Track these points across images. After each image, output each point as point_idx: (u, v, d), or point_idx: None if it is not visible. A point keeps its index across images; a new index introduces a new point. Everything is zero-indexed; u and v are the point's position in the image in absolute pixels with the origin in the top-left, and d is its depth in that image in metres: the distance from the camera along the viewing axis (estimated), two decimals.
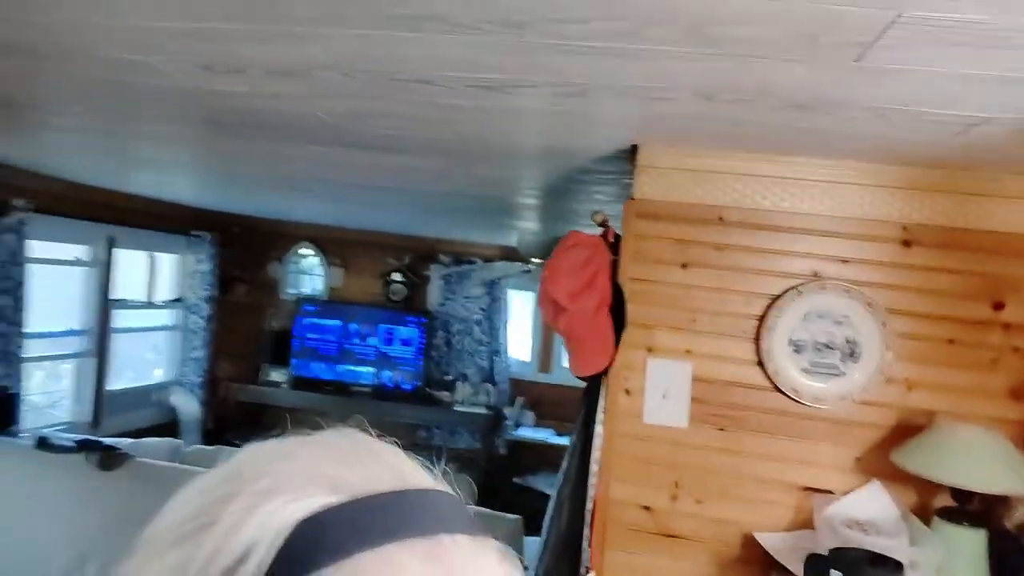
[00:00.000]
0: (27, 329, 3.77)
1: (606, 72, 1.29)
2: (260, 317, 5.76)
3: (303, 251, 5.81)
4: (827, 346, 1.76)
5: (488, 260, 5.47)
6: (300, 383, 5.39)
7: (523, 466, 5.21)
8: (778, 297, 1.78)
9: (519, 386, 5.59)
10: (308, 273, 5.85)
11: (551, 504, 1.92)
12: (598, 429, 1.83)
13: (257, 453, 0.38)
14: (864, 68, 1.12)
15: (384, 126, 1.94)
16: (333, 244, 5.75)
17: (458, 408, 5.27)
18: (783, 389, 1.77)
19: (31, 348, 3.92)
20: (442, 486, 0.38)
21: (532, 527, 2.58)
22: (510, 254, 5.26)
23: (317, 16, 1.15)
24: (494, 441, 5.28)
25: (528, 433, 5.37)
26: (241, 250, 5.59)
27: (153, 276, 5.12)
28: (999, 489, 1.48)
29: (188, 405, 5.14)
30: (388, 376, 5.45)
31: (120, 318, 4.73)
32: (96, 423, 4.41)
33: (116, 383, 4.78)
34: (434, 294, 5.60)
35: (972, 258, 1.74)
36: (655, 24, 1.05)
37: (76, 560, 2.55)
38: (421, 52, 1.27)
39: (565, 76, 1.33)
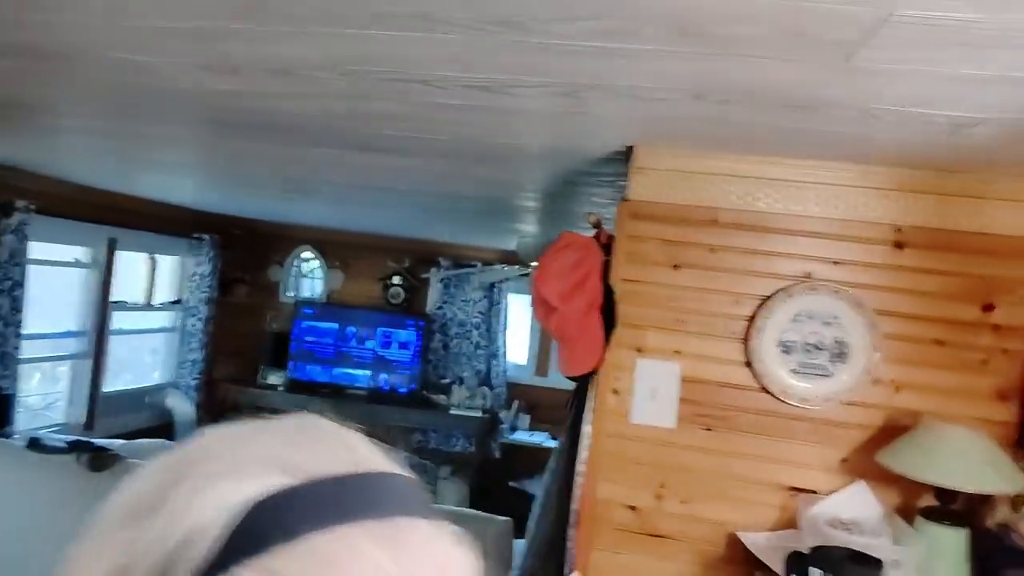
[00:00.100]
0: (24, 330, 3.79)
1: (599, 72, 1.30)
2: (260, 319, 5.77)
3: (304, 254, 5.83)
4: (816, 347, 1.77)
5: (488, 264, 5.48)
6: (296, 386, 5.39)
7: (518, 469, 5.21)
8: (768, 298, 1.79)
9: (515, 390, 5.59)
10: (308, 276, 5.87)
11: (537, 504, 1.92)
12: (586, 429, 1.83)
13: (211, 436, 0.38)
14: (855, 68, 1.13)
15: (382, 127, 1.95)
16: (333, 247, 5.77)
17: (454, 412, 5.27)
18: (771, 390, 1.78)
19: (28, 349, 3.93)
20: (400, 470, 0.38)
21: (524, 530, 2.58)
22: (509, 258, 5.27)
23: (310, 15, 1.16)
24: (489, 444, 5.28)
25: (523, 437, 5.38)
26: (242, 252, 5.61)
27: (153, 278, 5.14)
28: (982, 488, 1.48)
29: (183, 407, 5.15)
30: (384, 379, 5.45)
31: (119, 320, 4.75)
32: (90, 425, 4.41)
33: (113, 385, 4.79)
34: (433, 297, 5.62)
35: (963, 260, 1.74)
36: (646, 23, 1.06)
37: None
38: (415, 52, 1.28)
39: (559, 76, 1.35)
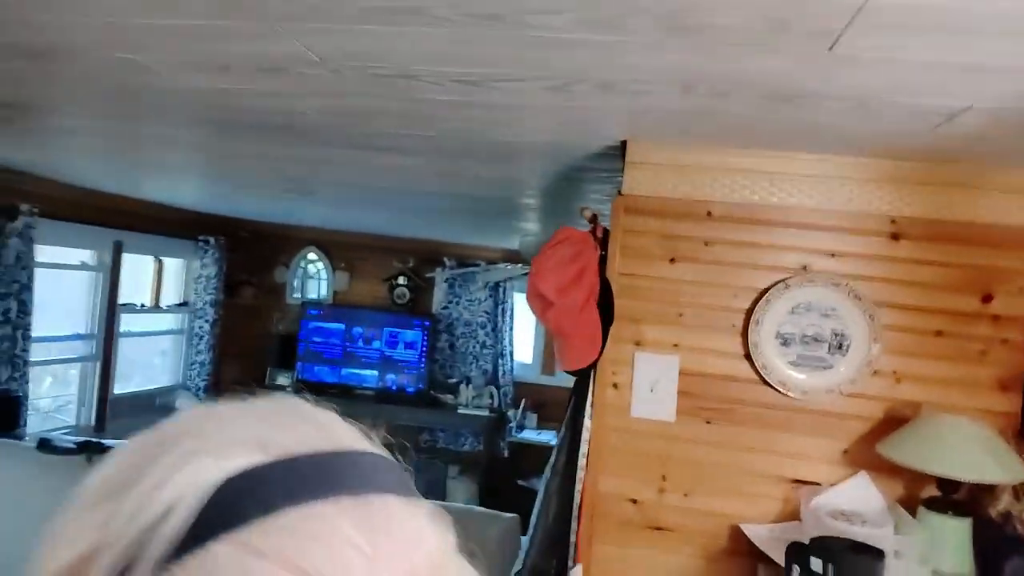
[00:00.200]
0: (33, 333, 3.82)
1: (587, 65, 1.30)
2: (266, 321, 5.80)
3: (309, 255, 5.86)
4: (815, 339, 1.77)
5: (491, 263, 5.49)
6: (304, 386, 5.41)
7: (525, 468, 5.21)
8: (766, 291, 1.79)
9: (522, 388, 5.60)
10: (314, 277, 5.90)
11: (539, 499, 1.92)
12: (586, 423, 1.83)
13: (188, 416, 0.38)
14: (838, 56, 1.13)
15: (377, 125, 1.96)
16: (339, 248, 5.80)
17: (461, 411, 5.28)
18: (770, 382, 1.77)
19: (37, 352, 3.97)
20: (376, 450, 0.38)
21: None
22: (513, 257, 5.28)
23: (295, 11, 1.17)
24: (497, 443, 5.29)
25: (531, 435, 5.38)
26: (248, 254, 5.64)
27: (160, 280, 5.17)
28: (983, 478, 1.48)
29: None
30: (392, 379, 5.47)
31: (127, 322, 4.78)
32: (100, 427, 4.45)
33: (123, 387, 4.82)
34: (438, 297, 5.63)
35: (960, 250, 1.74)
36: (630, 14, 1.06)
37: None
38: (404, 47, 1.29)
39: (548, 70, 1.35)
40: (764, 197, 1.81)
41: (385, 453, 0.38)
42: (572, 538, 1.80)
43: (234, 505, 0.31)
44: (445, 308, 5.60)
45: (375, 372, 5.48)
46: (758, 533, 1.69)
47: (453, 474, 4.98)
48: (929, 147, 1.61)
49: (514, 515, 2.99)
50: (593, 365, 1.84)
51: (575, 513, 1.81)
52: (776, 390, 1.77)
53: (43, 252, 3.90)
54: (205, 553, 0.29)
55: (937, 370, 1.73)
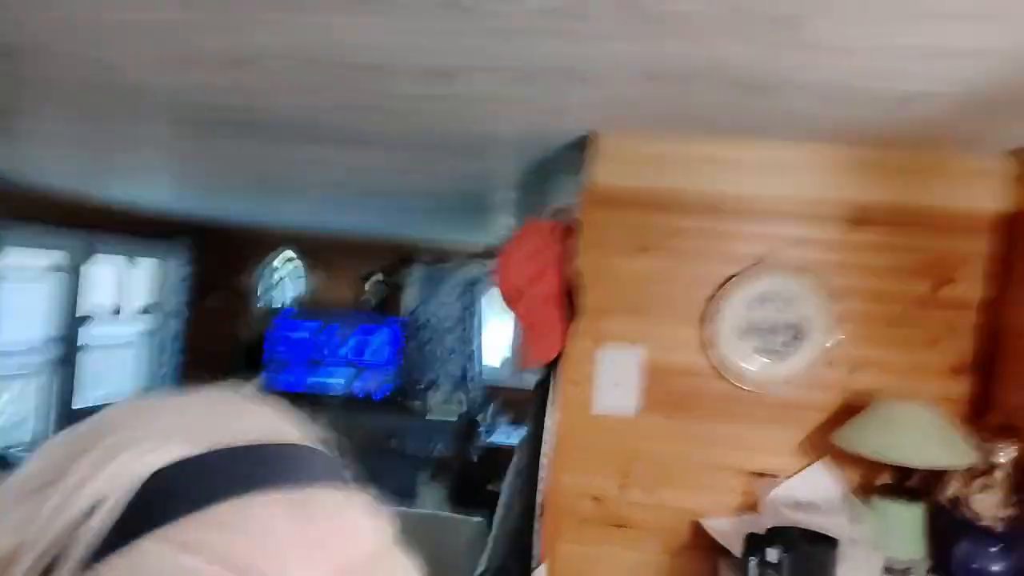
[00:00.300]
0: None
1: (551, 54, 1.30)
2: (235, 326, 5.71)
3: (281, 256, 5.79)
4: (772, 330, 1.78)
5: (464, 261, 5.47)
6: (272, 391, 5.32)
7: (496, 472, 5.19)
8: (726, 281, 1.80)
9: (493, 391, 5.59)
10: (284, 279, 5.83)
11: (502, 498, 1.92)
12: (549, 420, 1.83)
13: (116, 410, 0.37)
14: (801, 42, 1.14)
15: (346, 119, 1.93)
16: (312, 249, 5.73)
17: (431, 416, 5.25)
18: (729, 374, 1.78)
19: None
20: (312, 442, 0.37)
21: None
22: (490, 252, 5.24)
23: (255, 2, 1.15)
24: (467, 448, 5.26)
25: (502, 439, 5.36)
26: (219, 256, 5.55)
27: (127, 286, 5.07)
28: (932, 464, 1.50)
29: None
30: (360, 384, 5.43)
31: (91, 331, 4.67)
32: None
33: (88, 399, 4.71)
34: (409, 299, 5.60)
35: (916, 236, 1.75)
36: (590, 1, 1.06)
37: None
38: (368, 37, 1.28)
39: (512, 60, 1.34)
40: (727, 186, 1.81)
41: (321, 444, 0.38)
42: (536, 537, 1.80)
43: (162, 500, 0.30)
44: (416, 309, 5.56)
45: (343, 378, 5.43)
46: (718, 527, 1.70)
47: (423, 479, 4.95)
48: (889, 133, 1.63)
49: (481, 519, 2.99)
50: (555, 360, 1.84)
51: (538, 512, 1.80)
52: (733, 383, 1.78)
53: (5, 258, 3.79)
54: (132, 550, 0.29)
55: (892, 357, 1.75)
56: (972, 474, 1.51)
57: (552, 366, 1.85)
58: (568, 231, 1.88)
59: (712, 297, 1.80)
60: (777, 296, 1.77)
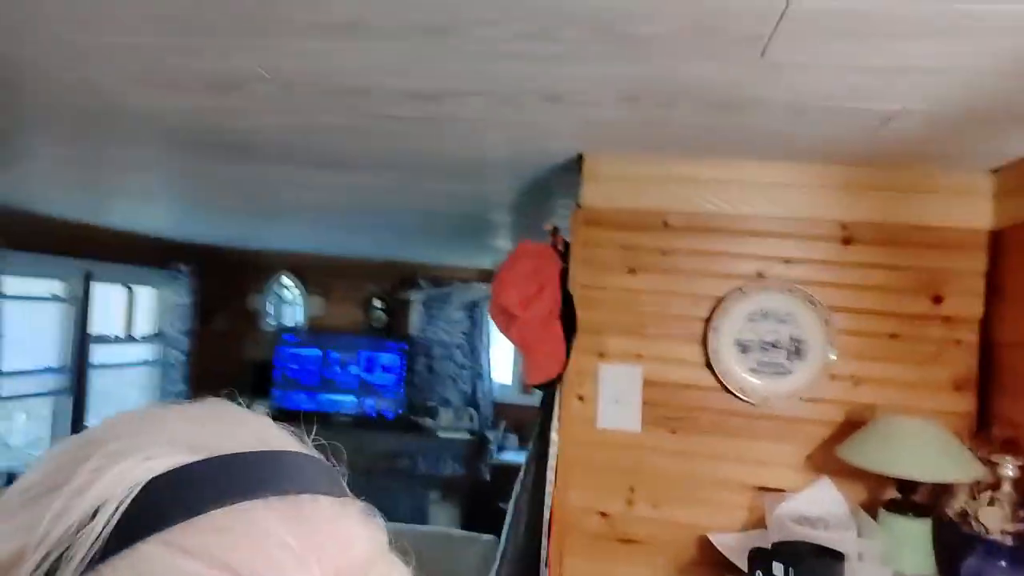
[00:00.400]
0: (3, 368, 3.76)
1: (531, 77, 1.32)
2: (241, 349, 5.75)
3: (283, 281, 5.83)
4: (773, 345, 1.78)
5: (466, 282, 5.50)
6: (281, 415, 5.33)
7: (507, 490, 5.16)
8: (722, 299, 1.81)
9: (502, 409, 5.58)
10: (289, 303, 5.87)
11: (508, 515, 1.92)
12: (554, 437, 1.83)
13: (116, 419, 0.38)
14: (771, 63, 1.16)
15: (337, 142, 1.97)
16: (313, 273, 5.77)
17: (441, 434, 5.24)
18: (731, 389, 1.79)
19: (8, 387, 3.90)
20: (307, 451, 0.38)
21: None
22: (487, 276, 5.29)
23: (240, 27, 1.18)
24: (478, 467, 5.25)
25: (512, 457, 5.35)
26: (221, 281, 5.60)
27: (131, 310, 5.12)
28: (937, 478, 1.49)
29: None
30: (370, 404, 5.43)
31: (99, 354, 4.72)
32: None
33: (95, 421, 4.74)
34: (415, 319, 5.61)
35: (909, 253, 1.77)
36: (565, 24, 1.09)
37: None
38: (349, 61, 1.31)
39: (494, 83, 1.37)
40: (718, 206, 1.83)
41: (316, 454, 0.38)
42: (543, 554, 1.79)
43: (161, 504, 0.31)
44: (422, 330, 5.58)
45: (353, 398, 5.44)
46: (726, 542, 1.70)
47: (435, 499, 4.94)
48: (872, 151, 1.64)
49: (492, 536, 2.98)
50: (558, 378, 1.84)
51: (545, 528, 1.80)
52: (737, 397, 1.79)
53: (11, 284, 3.85)
54: (133, 553, 0.29)
55: (893, 372, 1.75)
56: (979, 488, 1.50)
57: (555, 383, 1.85)
58: (563, 251, 1.89)
59: (710, 314, 1.81)
60: (775, 313, 1.78)
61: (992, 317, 1.73)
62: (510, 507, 1.92)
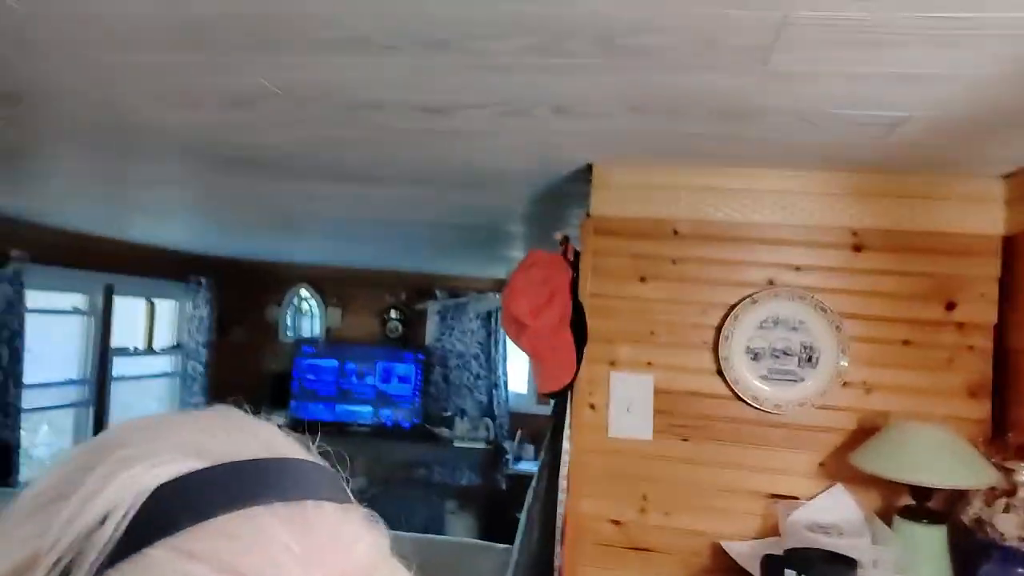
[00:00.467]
0: (25, 380, 3.83)
1: (537, 89, 1.34)
2: (260, 360, 5.81)
3: (301, 293, 5.89)
4: (784, 352, 1.78)
5: (481, 292, 5.52)
6: (298, 425, 5.37)
7: (523, 500, 5.16)
8: (734, 306, 1.81)
9: (518, 419, 5.58)
10: (306, 315, 5.92)
11: (521, 524, 1.92)
12: (566, 445, 1.84)
13: (125, 426, 0.39)
14: (774, 72, 1.17)
15: (352, 155, 2.00)
16: (330, 284, 5.83)
17: (457, 444, 5.26)
18: (743, 397, 1.79)
19: (31, 399, 3.97)
20: (312, 457, 0.39)
21: None
22: (503, 286, 5.30)
23: (250, 44, 1.21)
24: (494, 476, 5.25)
25: (528, 466, 5.34)
26: (239, 294, 5.67)
27: (152, 323, 5.19)
28: (950, 484, 1.48)
29: None
30: (387, 415, 5.46)
31: (120, 366, 4.79)
32: None
33: None
34: (431, 330, 5.64)
35: (921, 260, 1.76)
36: (567, 37, 1.10)
37: None
38: (359, 76, 1.33)
39: (502, 96, 1.39)
40: (728, 214, 1.84)
41: (321, 461, 0.39)
42: (556, 562, 1.80)
43: (169, 510, 0.31)
44: (438, 340, 5.61)
45: (370, 408, 5.48)
46: (739, 550, 1.69)
47: (451, 508, 4.95)
48: (881, 158, 1.64)
49: (507, 546, 2.98)
50: (570, 387, 1.85)
51: (558, 537, 1.80)
52: (749, 405, 1.78)
53: (34, 298, 3.93)
54: (141, 558, 0.30)
55: (906, 379, 1.74)
56: (994, 494, 1.49)
57: (567, 392, 1.86)
58: (574, 260, 1.90)
59: (721, 322, 1.81)
60: (786, 320, 1.78)
61: (1006, 323, 1.72)
62: (523, 516, 1.93)
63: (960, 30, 0.98)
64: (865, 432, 1.71)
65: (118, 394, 4.81)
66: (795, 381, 1.77)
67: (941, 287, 1.75)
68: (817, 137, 1.51)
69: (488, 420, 5.42)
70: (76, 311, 4.49)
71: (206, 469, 0.33)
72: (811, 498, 1.73)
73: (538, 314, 1.81)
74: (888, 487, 1.67)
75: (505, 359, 5.62)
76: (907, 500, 1.61)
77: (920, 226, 1.76)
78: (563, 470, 1.83)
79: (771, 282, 1.81)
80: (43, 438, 4.62)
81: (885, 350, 1.75)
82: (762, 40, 1.06)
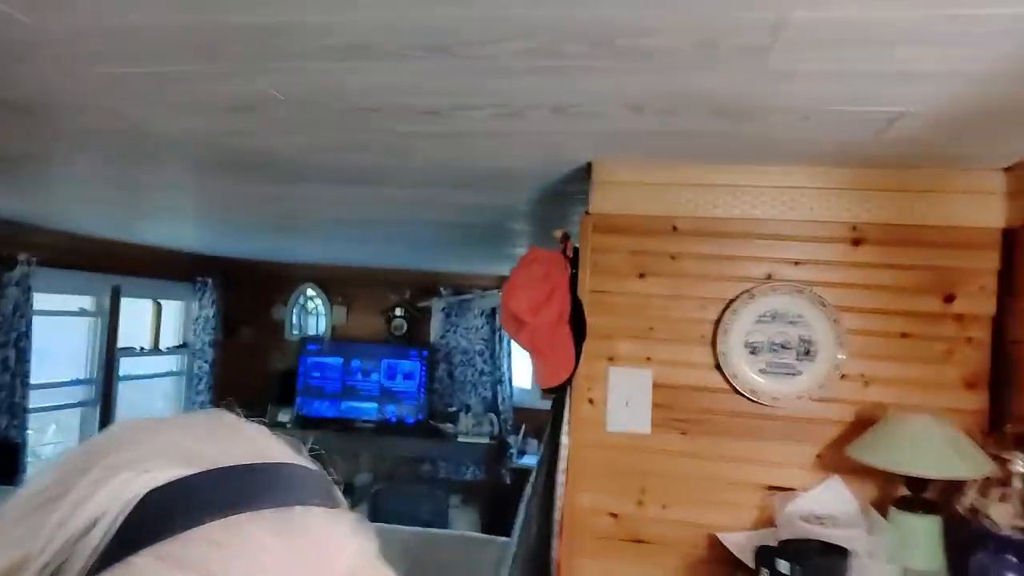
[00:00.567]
0: (33, 380, 3.87)
1: (536, 91, 1.36)
2: (266, 359, 5.84)
3: (307, 292, 5.92)
4: (782, 346, 1.80)
5: (486, 290, 5.54)
6: (304, 422, 5.44)
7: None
8: (732, 301, 1.82)
9: (522, 414, 5.60)
10: (312, 313, 5.95)
11: (519, 517, 1.94)
12: (564, 440, 1.86)
13: (117, 430, 0.39)
14: (772, 71, 1.18)
15: (354, 158, 2.02)
16: (335, 283, 5.86)
17: (462, 439, 5.29)
18: (742, 391, 1.80)
19: (39, 399, 4.01)
20: (302, 461, 0.40)
21: None
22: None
23: (253, 52, 1.23)
24: (499, 471, 5.28)
25: (532, 461, 5.35)
26: (245, 294, 5.71)
27: (158, 323, 5.23)
28: (946, 474, 1.50)
29: None
30: (392, 411, 5.49)
31: (127, 366, 4.83)
32: None
33: None
34: (435, 327, 5.67)
35: (920, 253, 1.77)
36: (565, 40, 1.12)
37: None
38: (360, 81, 1.35)
39: (500, 97, 1.41)
40: (727, 210, 1.85)
41: (312, 465, 0.39)
42: (553, 555, 1.82)
43: (156, 518, 0.31)
44: (443, 337, 5.63)
45: (375, 404, 5.51)
46: (735, 541, 1.71)
47: (455, 503, 4.97)
48: (880, 153, 1.65)
49: (508, 539, 3.00)
50: (568, 382, 1.87)
51: (555, 530, 1.83)
52: (747, 398, 1.80)
53: (41, 299, 3.97)
54: (127, 565, 0.30)
55: (904, 371, 1.75)
56: (989, 484, 1.51)
57: (566, 387, 1.88)
58: (573, 257, 1.92)
59: (720, 316, 1.83)
60: (785, 314, 1.79)
61: (1005, 315, 1.73)
62: (521, 509, 1.95)
63: (956, 27, 0.99)
64: (863, 424, 1.73)
65: (124, 393, 4.86)
66: (793, 374, 1.78)
67: (940, 280, 1.76)
68: (816, 134, 1.52)
69: (492, 415, 5.44)
70: (83, 312, 4.53)
71: (194, 475, 0.33)
72: (808, 490, 1.74)
73: (537, 311, 1.83)
74: (884, 478, 1.68)
75: (509, 355, 5.64)
76: (903, 491, 1.62)
77: (920, 220, 1.77)
78: (561, 464, 1.85)
79: (770, 276, 1.82)
80: (50, 437, 4.66)
81: (883, 343, 1.77)
82: (761, 40, 1.07)
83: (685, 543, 1.81)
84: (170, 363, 5.43)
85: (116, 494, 0.32)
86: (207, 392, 5.36)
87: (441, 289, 5.62)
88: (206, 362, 5.36)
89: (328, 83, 1.37)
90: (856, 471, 1.70)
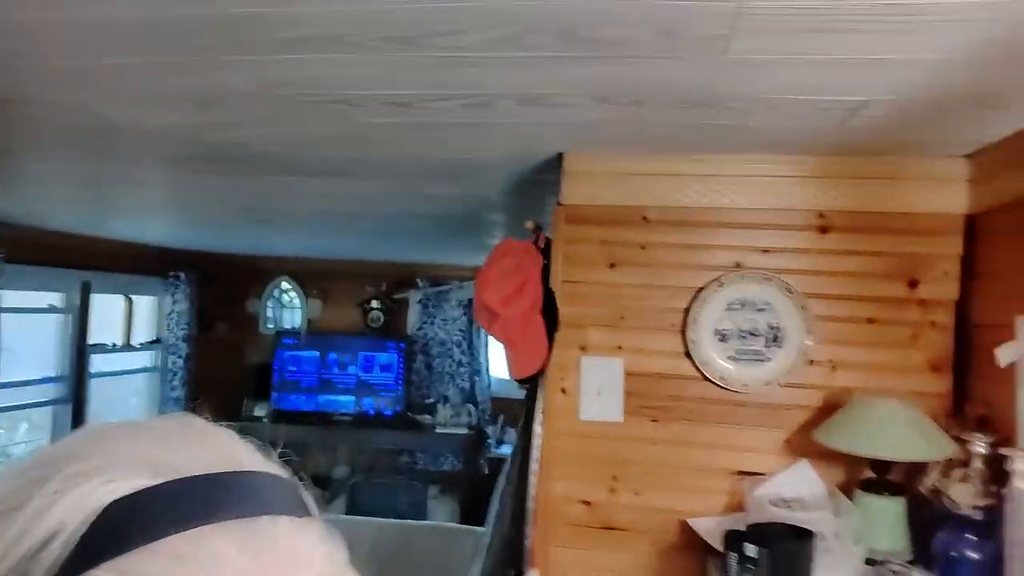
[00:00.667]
0: (1, 379, 3.80)
1: (502, 82, 1.36)
2: (241, 354, 5.79)
3: (281, 285, 5.88)
4: (751, 333, 1.82)
5: (464, 281, 5.53)
6: (281, 416, 5.41)
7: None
8: (701, 289, 1.84)
9: (500, 403, 5.62)
10: (287, 307, 5.91)
11: (493, 507, 1.96)
12: (537, 429, 1.87)
13: (79, 436, 0.38)
14: (735, 60, 1.19)
15: (325, 150, 2.00)
16: (311, 276, 5.82)
17: (440, 431, 5.29)
18: (711, 378, 1.82)
19: (7, 398, 3.95)
20: (272, 468, 0.38)
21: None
22: None
23: (216, 44, 1.22)
24: (477, 461, 5.30)
25: (509, 450, 5.39)
26: (219, 288, 5.64)
27: (131, 319, 5.16)
28: (908, 456, 1.53)
29: None
30: (369, 403, 5.48)
31: (99, 363, 4.76)
32: None
33: None
34: (412, 319, 5.66)
35: (886, 240, 1.80)
36: (529, 31, 1.12)
37: None
38: (327, 73, 1.34)
39: (465, 88, 1.40)
40: (696, 199, 1.87)
41: (280, 471, 0.38)
42: (527, 543, 1.83)
43: (117, 531, 0.30)
44: (420, 329, 5.63)
45: (352, 397, 5.49)
46: (705, 526, 1.73)
47: (434, 494, 4.98)
48: (845, 142, 1.67)
49: (486, 528, 3.02)
50: (541, 372, 1.88)
51: (529, 519, 1.84)
52: (717, 385, 1.82)
53: (9, 296, 3.90)
54: None
55: (871, 356, 1.79)
56: (951, 465, 1.54)
57: (538, 377, 1.89)
58: (545, 248, 1.93)
59: (689, 305, 1.84)
60: (752, 302, 1.82)
61: (968, 299, 1.77)
62: (495, 499, 1.97)
63: (913, 17, 1.01)
64: (831, 409, 1.75)
65: (97, 390, 4.79)
66: (762, 361, 1.81)
67: (905, 266, 1.79)
68: (780, 123, 1.53)
69: (470, 406, 5.45)
70: (52, 309, 4.46)
71: (157, 486, 0.32)
72: (776, 474, 1.77)
73: (509, 302, 1.84)
74: (850, 461, 1.71)
75: (487, 345, 5.65)
76: (868, 473, 1.65)
77: (885, 207, 1.80)
78: (535, 453, 1.86)
79: (738, 265, 1.84)
80: (22, 436, 4.59)
81: (850, 328, 1.80)
82: (720, 29, 1.08)
83: (657, 529, 1.83)
84: (144, 359, 5.36)
85: (77, 505, 0.31)
86: (182, 388, 5.30)
87: (418, 280, 5.60)
88: (180, 357, 5.30)
89: (295, 75, 1.36)
90: (823, 455, 1.73)
